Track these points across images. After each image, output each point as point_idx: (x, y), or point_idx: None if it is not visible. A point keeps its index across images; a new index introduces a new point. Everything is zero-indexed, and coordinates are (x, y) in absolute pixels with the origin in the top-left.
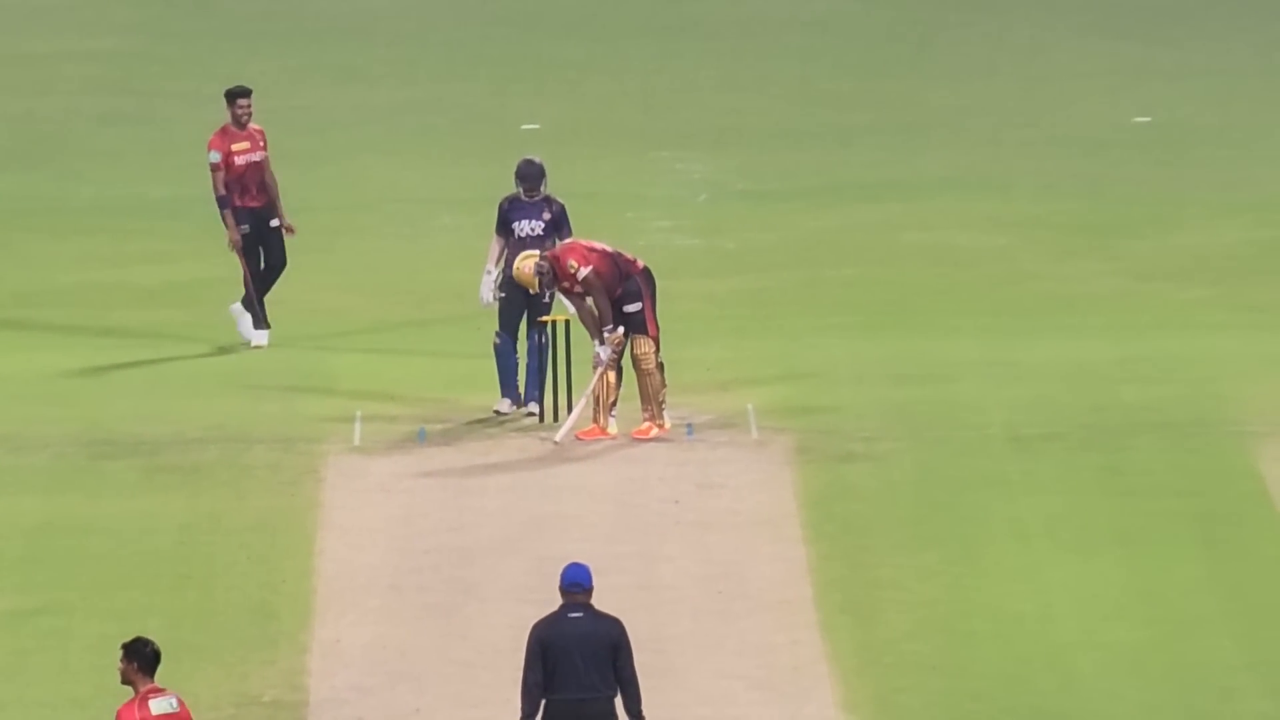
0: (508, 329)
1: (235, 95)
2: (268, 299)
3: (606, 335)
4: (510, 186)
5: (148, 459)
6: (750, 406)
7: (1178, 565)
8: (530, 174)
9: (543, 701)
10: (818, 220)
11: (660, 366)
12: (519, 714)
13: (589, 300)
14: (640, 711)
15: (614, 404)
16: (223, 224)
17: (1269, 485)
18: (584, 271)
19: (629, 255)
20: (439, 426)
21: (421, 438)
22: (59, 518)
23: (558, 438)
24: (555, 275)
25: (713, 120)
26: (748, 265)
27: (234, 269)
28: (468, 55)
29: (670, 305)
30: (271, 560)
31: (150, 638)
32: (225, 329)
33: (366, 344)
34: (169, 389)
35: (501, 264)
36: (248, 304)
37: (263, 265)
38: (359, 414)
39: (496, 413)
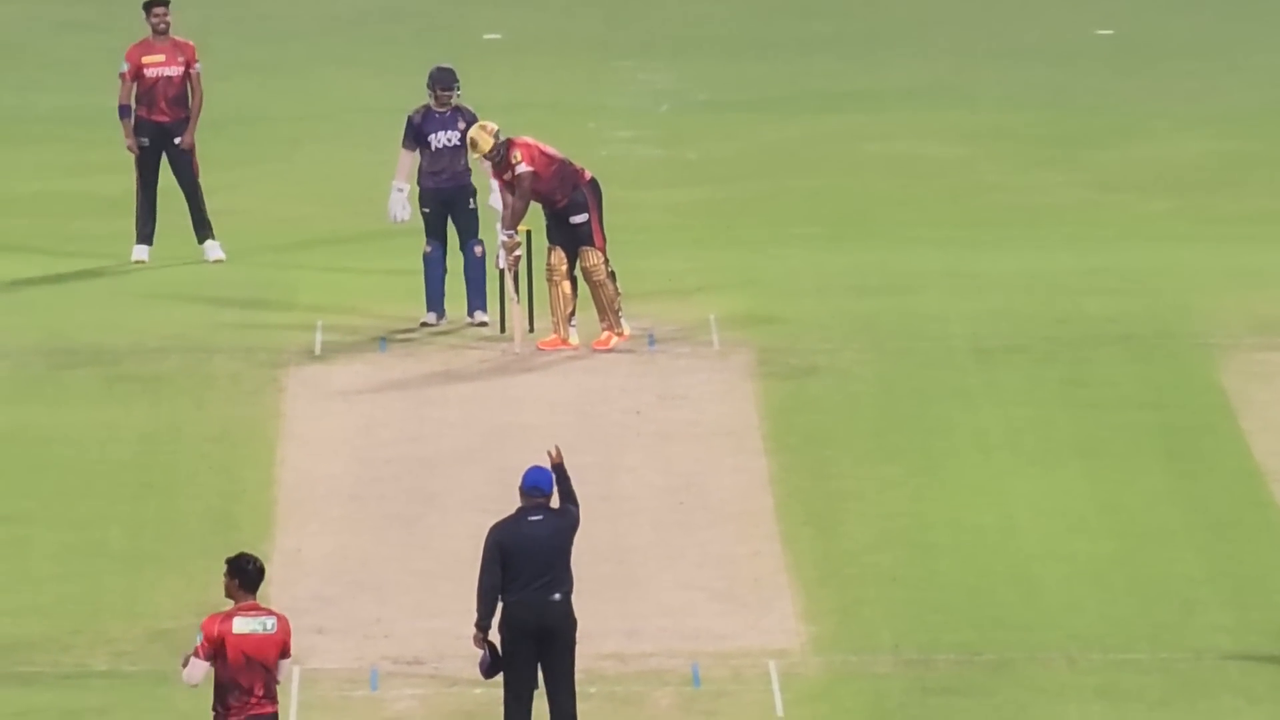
0: (438, 237)
1: (151, 4)
2: (212, 213)
3: (505, 237)
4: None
5: (108, 368)
6: (712, 317)
7: (1140, 478)
8: (444, 79)
9: (499, 604)
10: (780, 131)
11: (612, 275)
12: (475, 618)
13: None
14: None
15: (572, 314)
16: (123, 132)
17: (1231, 398)
18: (522, 168)
19: (577, 166)
20: (400, 337)
21: (383, 348)
22: (19, 427)
23: (517, 348)
24: (503, 159)
25: (674, 30)
26: (709, 176)
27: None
28: None
29: (632, 216)
30: (232, 470)
31: (250, 554)
32: (184, 238)
33: (326, 255)
34: (129, 299)
35: (415, 177)
36: (138, 215)
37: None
38: (319, 324)
39: (423, 324)
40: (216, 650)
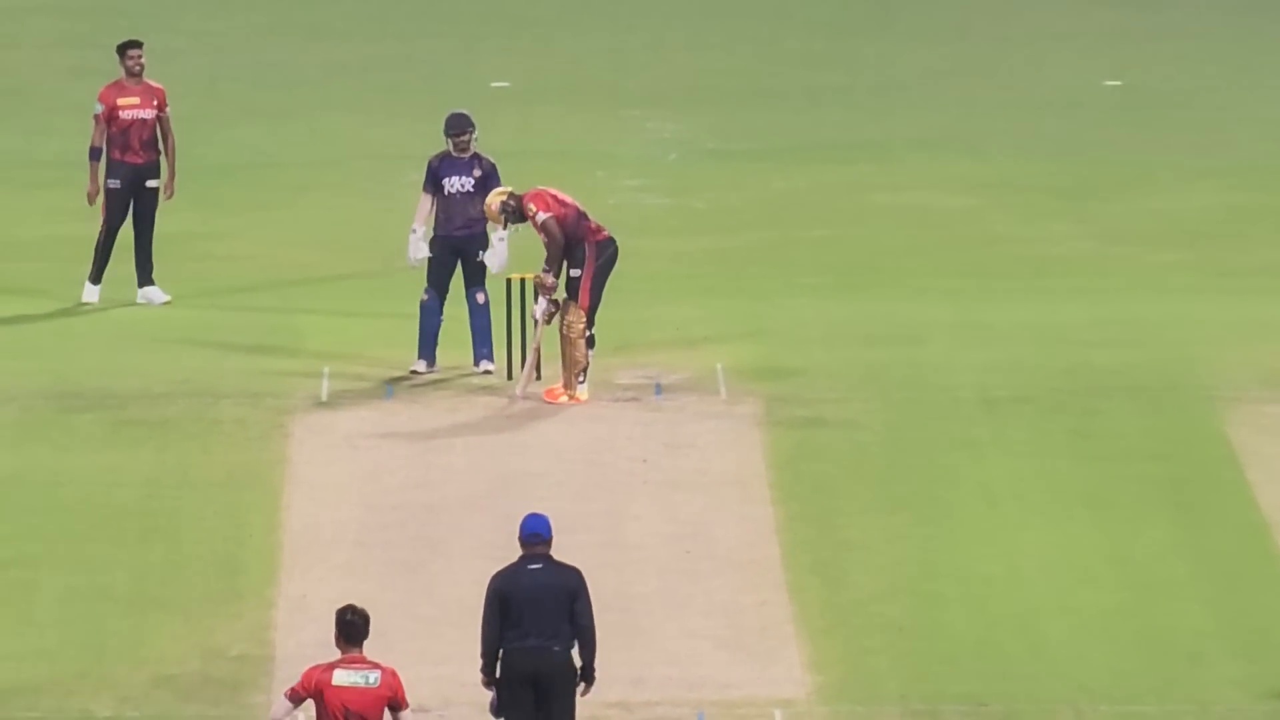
0: (437, 288)
1: (126, 47)
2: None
3: (541, 274)
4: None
5: (115, 412)
6: (719, 366)
7: (1147, 529)
8: (460, 126)
9: (500, 651)
10: (788, 180)
11: (588, 340)
12: (479, 664)
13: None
14: (593, 666)
15: (584, 370)
16: (89, 175)
17: (1238, 450)
18: (542, 216)
19: (593, 223)
20: (406, 384)
21: (389, 394)
22: (26, 470)
23: (518, 391)
24: (519, 215)
25: (683, 79)
26: (717, 225)
27: (200, 223)
28: (437, 12)
29: (639, 264)
30: (238, 515)
31: (356, 606)
32: (192, 283)
33: (333, 301)
34: (136, 343)
35: (431, 223)
36: (97, 256)
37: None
38: (326, 370)
39: (413, 372)
40: (312, 698)
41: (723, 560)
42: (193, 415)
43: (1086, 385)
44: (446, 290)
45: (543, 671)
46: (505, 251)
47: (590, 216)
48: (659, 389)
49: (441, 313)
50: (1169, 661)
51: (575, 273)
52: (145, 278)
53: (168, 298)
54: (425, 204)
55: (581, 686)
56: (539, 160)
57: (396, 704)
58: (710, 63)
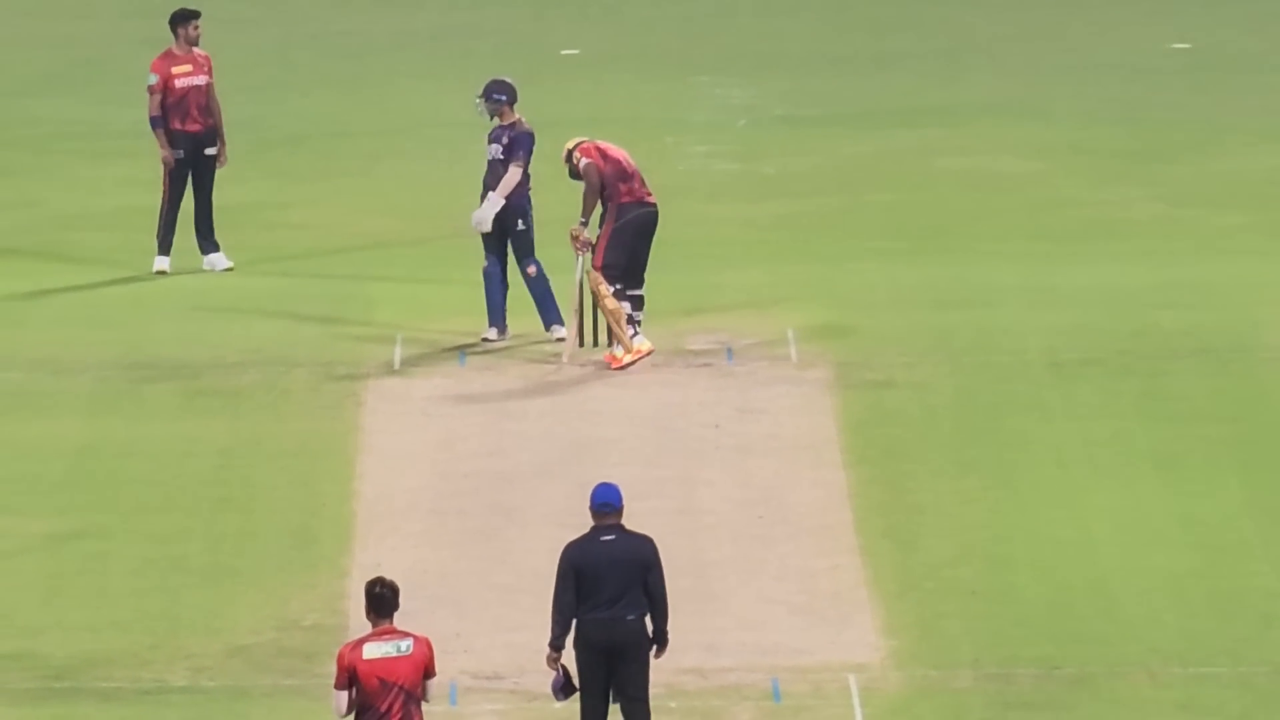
0: (494, 253)
1: (186, 17)
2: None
3: (574, 227)
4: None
5: (188, 382)
6: (790, 331)
7: (1217, 491)
8: (484, 91)
9: (574, 622)
10: (856, 145)
11: (620, 295)
12: (549, 637)
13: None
14: (665, 630)
15: (625, 323)
16: (158, 144)
17: None
18: (583, 161)
19: (630, 188)
20: (479, 351)
21: (462, 361)
22: (100, 441)
23: (565, 357)
24: (572, 169)
25: (752, 45)
26: (786, 190)
27: (272, 192)
28: None
29: (709, 230)
30: (312, 484)
31: (385, 578)
32: (264, 252)
33: (405, 268)
34: (209, 313)
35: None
36: (162, 226)
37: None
38: (399, 338)
39: (485, 340)
40: (351, 678)
41: (795, 525)
42: (266, 384)
43: (1155, 347)
44: (504, 256)
45: (617, 641)
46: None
47: (636, 181)
48: (730, 354)
49: (504, 279)
50: (1241, 623)
51: (596, 233)
52: (208, 245)
53: (230, 264)
54: (514, 173)
55: (655, 649)
56: (609, 127)
57: (428, 671)
58: (779, 28)
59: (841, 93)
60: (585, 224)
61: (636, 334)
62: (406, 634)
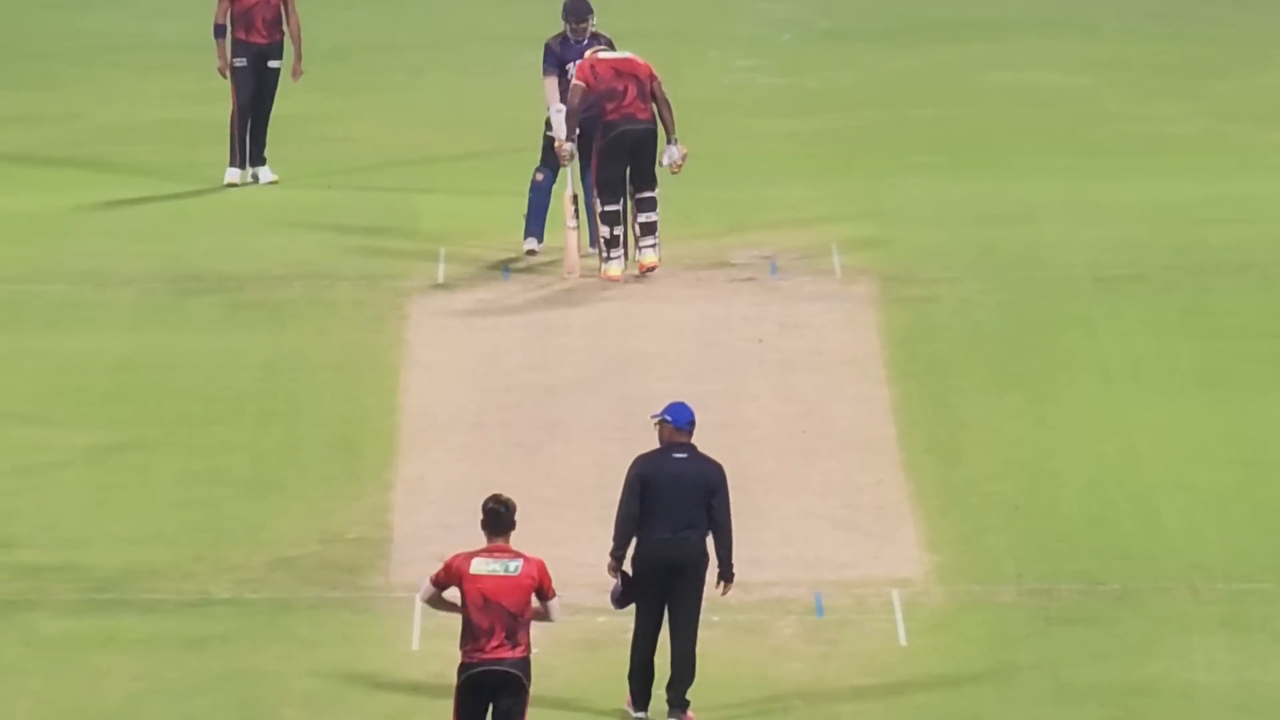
0: (552, 168)
1: None
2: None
3: (559, 141)
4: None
5: (232, 295)
6: (834, 245)
7: (1262, 406)
8: (579, 10)
9: (634, 539)
10: (901, 60)
11: (605, 215)
12: (611, 546)
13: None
14: (730, 559)
15: (607, 244)
16: (216, 53)
17: None
18: (574, 80)
19: (614, 105)
20: (522, 264)
21: (505, 275)
22: (143, 353)
23: (564, 272)
24: None
25: None
26: (831, 104)
27: (317, 105)
28: None
29: (753, 144)
30: (355, 397)
31: (502, 495)
32: (308, 165)
33: (449, 182)
34: (252, 225)
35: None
36: (232, 138)
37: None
38: (443, 252)
39: (529, 253)
40: (451, 581)
41: (839, 440)
42: (310, 298)
43: (1199, 263)
44: (559, 170)
45: (677, 560)
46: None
47: (627, 99)
48: (774, 269)
49: (551, 193)
50: None
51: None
52: (257, 157)
53: (275, 178)
54: (553, 84)
55: (722, 586)
56: (654, 41)
57: (543, 593)
58: None
59: (886, 7)
60: (568, 138)
61: (611, 258)
62: (518, 555)
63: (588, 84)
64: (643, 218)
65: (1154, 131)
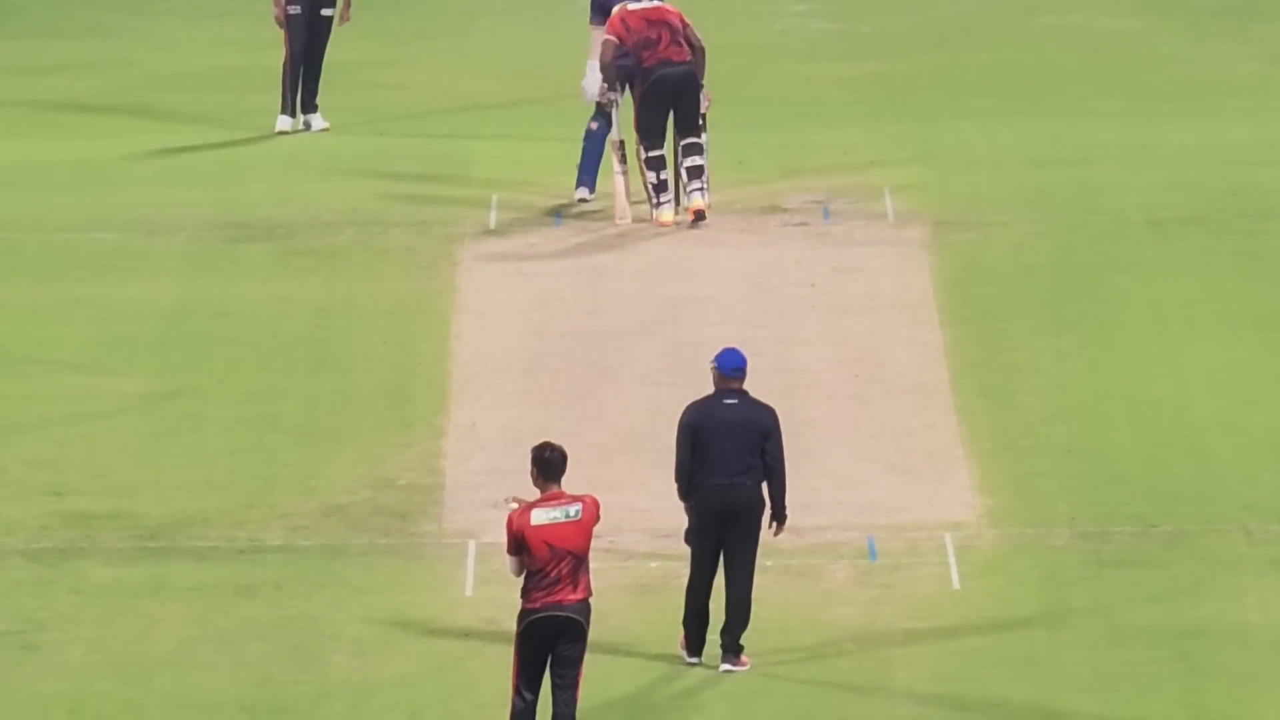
0: (605, 116)
1: None
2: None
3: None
4: None
5: (283, 242)
6: (886, 190)
7: None
8: None
9: (692, 483)
10: (953, 4)
11: (650, 160)
12: (676, 490)
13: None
14: (783, 501)
15: (655, 189)
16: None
17: None
18: (605, 35)
19: (650, 52)
20: (574, 210)
21: (557, 222)
22: (194, 301)
23: (616, 218)
24: None
25: None
26: (883, 49)
27: (368, 52)
28: None
29: (805, 89)
30: (407, 344)
31: (552, 442)
32: (360, 112)
33: (501, 128)
34: (303, 172)
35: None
36: (286, 85)
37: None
38: (494, 198)
39: (580, 201)
40: (520, 543)
41: (891, 384)
42: (361, 244)
43: (1253, 206)
44: (610, 119)
45: (731, 506)
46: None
47: (662, 45)
48: (826, 213)
49: (604, 142)
50: None
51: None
52: (310, 104)
53: (327, 125)
54: (597, 36)
55: (775, 528)
56: None
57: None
58: None
59: None
60: (610, 88)
61: (661, 203)
62: (575, 498)
63: (620, 37)
64: (688, 162)
65: (1206, 74)
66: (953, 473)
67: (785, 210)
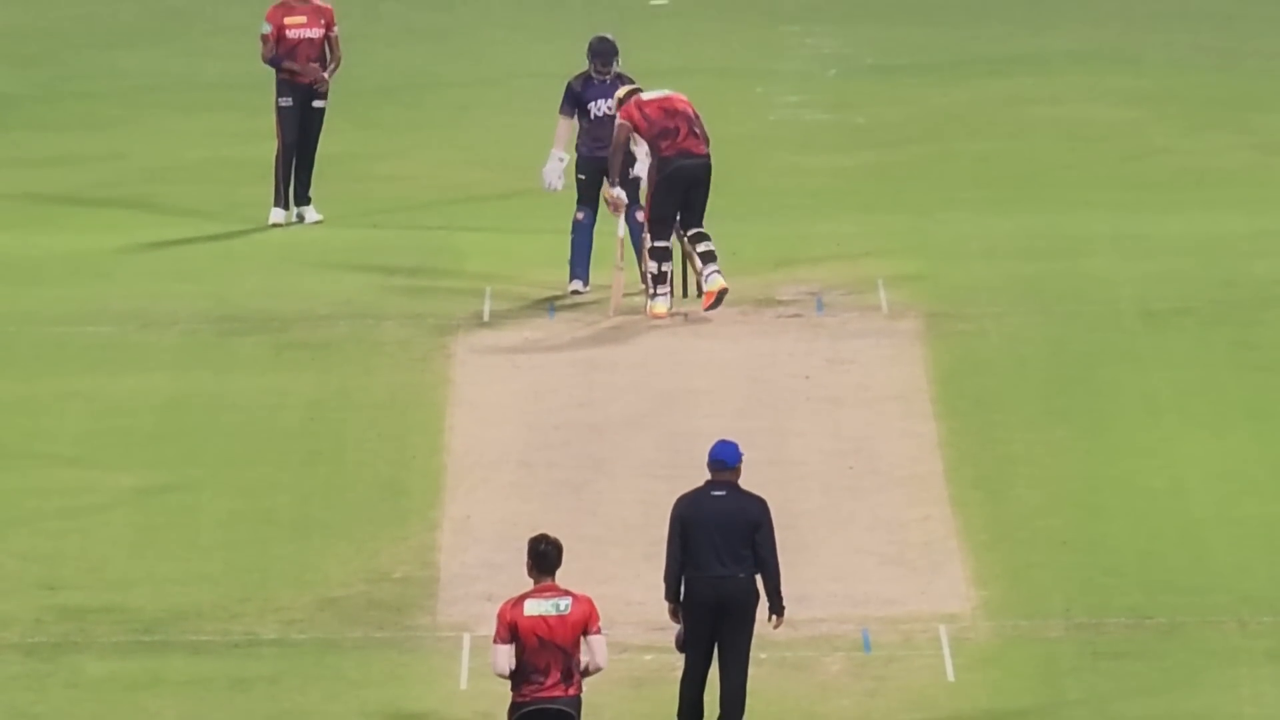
0: (591, 206)
1: None
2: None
3: (606, 188)
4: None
5: (277, 335)
6: (880, 281)
7: None
8: (605, 51)
9: (683, 579)
10: (947, 95)
11: (655, 251)
12: (663, 591)
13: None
14: (779, 593)
15: (654, 280)
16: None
17: None
18: (619, 120)
19: (673, 142)
20: (568, 302)
21: (551, 313)
22: (188, 394)
23: (610, 310)
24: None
25: None
26: (877, 140)
27: (362, 144)
28: None
29: (800, 180)
30: (401, 436)
31: (548, 535)
32: (353, 204)
33: (495, 220)
34: (297, 265)
35: (574, 145)
36: (277, 177)
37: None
38: (488, 290)
39: (573, 293)
40: (512, 634)
41: (886, 476)
42: (355, 337)
43: (1247, 296)
44: (597, 207)
45: (723, 598)
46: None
47: (681, 135)
48: (820, 305)
49: (593, 231)
50: None
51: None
52: (302, 197)
53: (320, 217)
54: (565, 128)
55: (774, 620)
56: (700, 77)
57: (587, 627)
58: None
59: (933, 41)
60: (614, 184)
61: (657, 294)
62: (567, 592)
63: (636, 125)
64: (701, 248)
65: (1200, 165)
66: (947, 565)
67: (779, 302)
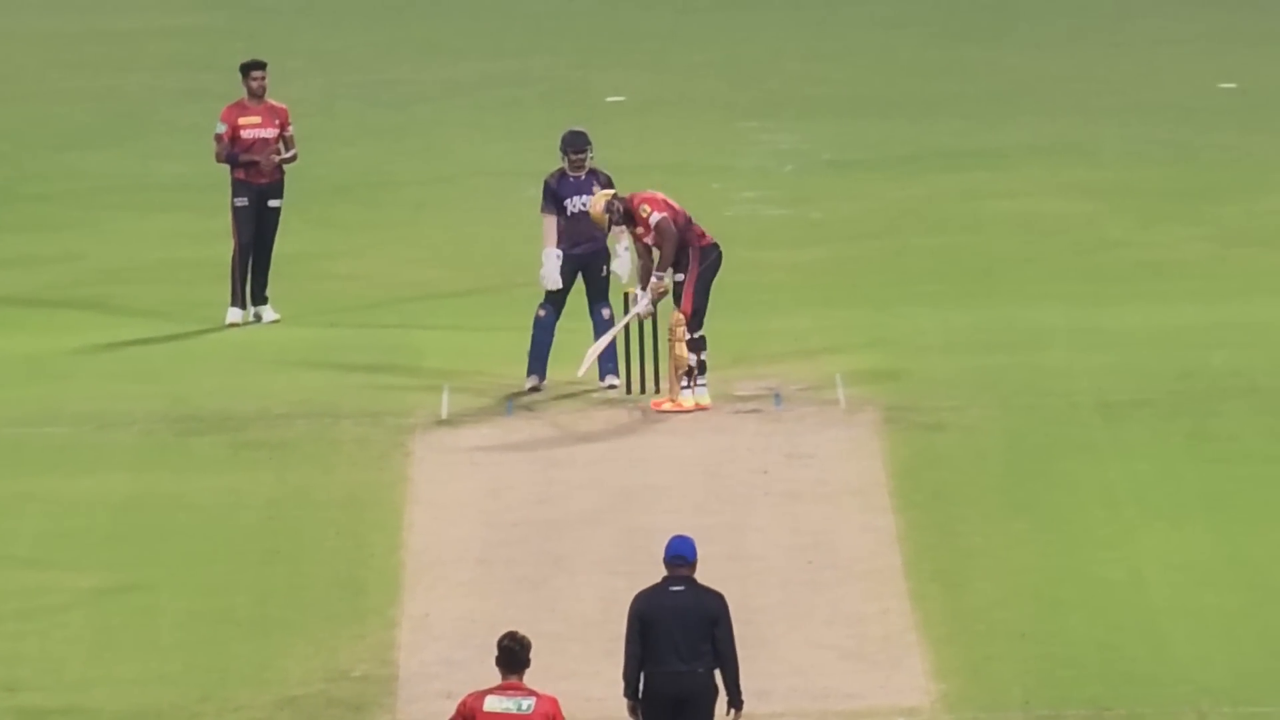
0: (555, 304)
1: (249, 68)
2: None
3: (654, 280)
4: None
5: (234, 435)
6: (838, 376)
7: (1267, 531)
8: (579, 145)
9: (642, 675)
10: (904, 189)
11: (694, 342)
12: (622, 688)
13: (654, 251)
14: (738, 687)
15: (689, 374)
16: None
17: None
18: (656, 216)
19: (698, 228)
20: (526, 399)
21: (509, 410)
22: (146, 494)
23: (580, 371)
24: (628, 216)
25: (798, 90)
26: (834, 235)
27: (318, 243)
28: (552, 28)
29: (757, 275)
30: (360, 535)
31: (518, 633)
32: (310, 303)
33: (452, 318)
34: (254, 364)
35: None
36: (234, 277)
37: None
38: (446, 387)
39: (531, 390)
40: None
41: (845, 570)
42: (313, 436)
43: (1204, 388)
44: (563, 307)
45: (682, 694)
46: (630, 259)
47: (695, 222)
48: (778, 400)
49: (555, 330)
50: None
51: (679, 277)
52: (259, 296)
53: (278, 316)
54: (552, 225)
55: (733, 715)
56: (656, 174)
57: None
58: (825, 73)
59: (889, 137)
60: (661, 278)
61: (692, 387)
62: (532, 692)
63: (676, 217)
64: (704, 355)
65: (1158, 257)
66: (906, 658)
67: (738, 397)
